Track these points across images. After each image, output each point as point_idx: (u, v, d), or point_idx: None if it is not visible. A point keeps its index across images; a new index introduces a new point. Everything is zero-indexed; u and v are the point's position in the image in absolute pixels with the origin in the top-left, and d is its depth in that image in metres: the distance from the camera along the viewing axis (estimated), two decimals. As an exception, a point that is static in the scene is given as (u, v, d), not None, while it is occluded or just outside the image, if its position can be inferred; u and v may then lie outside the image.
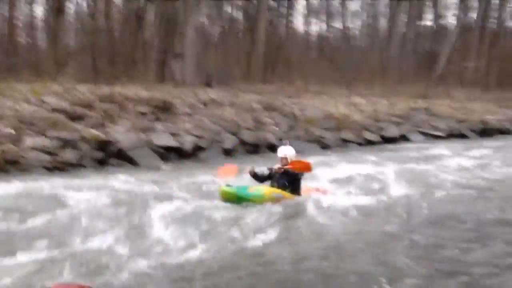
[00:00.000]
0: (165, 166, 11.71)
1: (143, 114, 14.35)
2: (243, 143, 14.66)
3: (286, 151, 7.84)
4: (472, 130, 21.79)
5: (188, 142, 13.42)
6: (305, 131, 16.95)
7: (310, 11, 33.06)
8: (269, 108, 17.81)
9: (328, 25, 32.39)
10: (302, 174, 7.68)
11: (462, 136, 20.92)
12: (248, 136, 14.89)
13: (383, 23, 33.89)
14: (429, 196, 8.10)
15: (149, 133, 13.26)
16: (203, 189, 8.34)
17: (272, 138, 15.35)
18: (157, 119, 14.43)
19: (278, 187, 7.60)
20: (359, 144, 17.47)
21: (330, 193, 8.21)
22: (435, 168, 10.79)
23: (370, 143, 17.73)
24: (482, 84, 32.85)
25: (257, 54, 22.60)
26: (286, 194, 7.50)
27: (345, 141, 17.43)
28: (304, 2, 32.32)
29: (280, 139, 15.03)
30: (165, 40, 21.51)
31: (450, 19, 40.04)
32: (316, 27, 33.12)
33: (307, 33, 31.46)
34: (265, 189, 7.58)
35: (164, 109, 14.87)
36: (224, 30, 26.15)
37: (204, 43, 22.21)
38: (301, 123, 17.56)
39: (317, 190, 8.20)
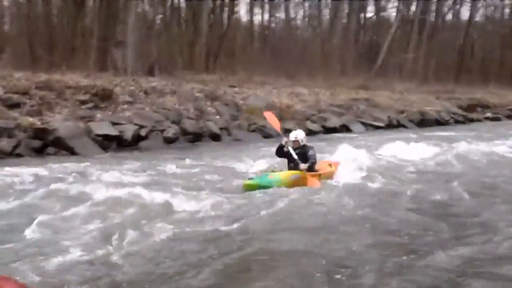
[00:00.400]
0: (104, 155, 11.52)
1: (82, 102, 14.08)
2: (185, 132, 14.54)
3: (297, 134, 8.61)
4: (411, 121, 22.32)
5: (128, 130, 13.23)
6: (248, 120, 16.97)
7: (254, 1, 33.14)
8: (211, 97, 17.75)
9: (272, 16, 32.48)
10: (314, 152, 8.47)
11: (401, 126, 21.39)
12: (190, 125, 14.79)
13: (325, 14, 34.21)
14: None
15: (89, 121, 13.03)
16: (136, 178, 8.21)
17: (214, 128, 15.30)
18: (97, 107, 14.17)
19: (295, 166, 8.27)
20: (302, 133, 17.58)
21: (341, 164, 8.99)
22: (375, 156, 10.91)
23: (312, 133, 17.83)
24: (421, 76, 33.69)
25: (200, 43, 22.46)
26: (302, 173, 8.07)
27: (287, 131, 17.49)
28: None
29: (222, 128, 15.13)
30: (106, 27, 21.07)
31: (391, 11, 41.00)
32: (260, 17, 33.18)
33: (250, 23, 31.42)
34: (282, 173, 8.06)
35: (104, 97, 14.60)
36: (166, 18, 25.87)
37: (146, 31, 21.90)
38: (244, 112, 17.58)
39: (329, 164, 9.06)
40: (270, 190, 7.31)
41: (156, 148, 12.97)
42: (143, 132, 13.52)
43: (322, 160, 9.27)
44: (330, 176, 8.54)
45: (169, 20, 25.33)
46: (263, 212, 6.15)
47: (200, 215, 6.09)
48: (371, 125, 20.33)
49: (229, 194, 7.18)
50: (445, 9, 42.98)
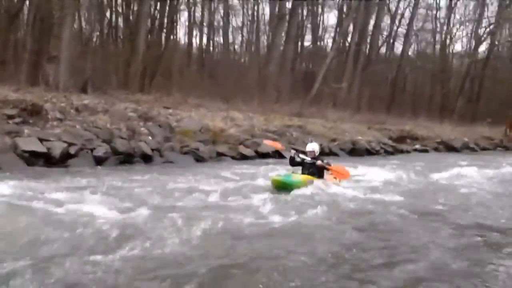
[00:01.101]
0: (29, 172, 11.16)
1: (10, 117, 13.66)
2: (116, 152, 14.24)
3: (313, 146, 10.84)
4: (342, 149, 22.67)
5: (57, 148, 12.84)
6: (180, 142, 16.88)
7: (193, 24, 33.19)
8: (145, 117, 17.59)
9: (210, 39, 32.66)
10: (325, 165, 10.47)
11: (333, 154, 21.70)
12: (121, 145, 14.47)
13: (263, 40, 34.66)
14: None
15: (15, 136, 12.64)
16: (58, 197, 8.00)
17: (146, 148, 15.04)
18: (25, 122, 13.79)
19: (309, 173, 10.29)
20: (234, 158, 17.61)
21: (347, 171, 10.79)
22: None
23: (245, 157, 17.90)
24: (355, 106, 34.45)
25: (136, 62, 22.23)
26: (315, 179, 10.05)
27: (220, 154, 17.52)
28: (187, 14, 32.41)
29: (154, 150, 14.99)
30: (40, 41, 20.61)
31: (328, 41, 42.01)
32: (198, 40, 33.26)
33: (189, 46, 31.46)
34: (302, 177, 10.05)
35: (33, 113, 14.23)
36: (103, 35, 25.55)
37: (81, 47, 21.57)
38: (177, 134, 17.49)
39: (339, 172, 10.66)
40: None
41: (85, 167, 12.64)
42: (72, 150, 13.14)
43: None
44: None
45: (105, 37, 25.02)
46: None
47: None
48: (304, 152, 20.52)
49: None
50: (380, 42, 44.31)
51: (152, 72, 23.76)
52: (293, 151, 10.89)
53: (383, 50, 46.15)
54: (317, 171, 10.35)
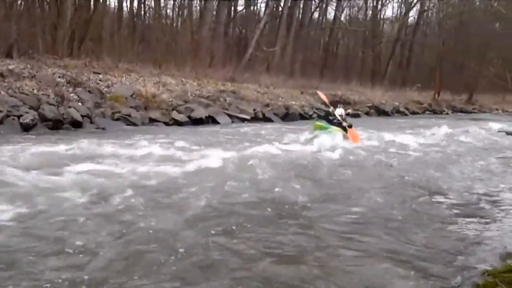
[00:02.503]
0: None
1: None
2: (44, 118, 13.86)
3: (340, 111, 14.04)
4: (276, 114, 22.85)
5: (-21, 115, 12.44)
6: (112, 108, 16.59)
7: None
8: (74, 83, 17.14)
9: (141, 3, 31.83)
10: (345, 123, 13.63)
11: (266, 119, 21.84)
12: (49, 112, 14.09)
13: (196, 5, 34.10)
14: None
15: None
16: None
17: (76, 115, 14.71)
18: None
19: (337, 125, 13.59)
20: (167, 123, 17.48)
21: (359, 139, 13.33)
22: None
23: (178, 123, 17.79)
24: (287, 71, 34.56)
25: (63, 26, 21.46)
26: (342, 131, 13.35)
27: (153, 120, 17.34)
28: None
29: (84, 116, 14.66)
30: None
31: (261, 6, 41.80)
32: (129, 3, 32.38)
33: (119, 9, 30.59)
34: (334, 127, 13.45)
35: (-46, 79, 13.63)
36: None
37: (5, 10, 20.62)
38: (108, 100, 17.17)
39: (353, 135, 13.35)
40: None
41: (11, 135, 12.25)
42: (-4, 117, 12.76)
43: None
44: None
45: (31, 0, 24.00)
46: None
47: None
48: (237, 117, 20.55)
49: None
50: (312, 7, 44.43)
51: (81, 37, 23.00)
52: (331, 108, 14.54)
53: (316, 15, 46.32)
54: (342, 128, 13.49)
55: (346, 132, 13.34)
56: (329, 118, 14.12)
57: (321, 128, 13.49)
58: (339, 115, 13.77)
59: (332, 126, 13.47)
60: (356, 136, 13.32)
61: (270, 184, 7.66)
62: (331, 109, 14.40)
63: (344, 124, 13.55)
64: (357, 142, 12.85)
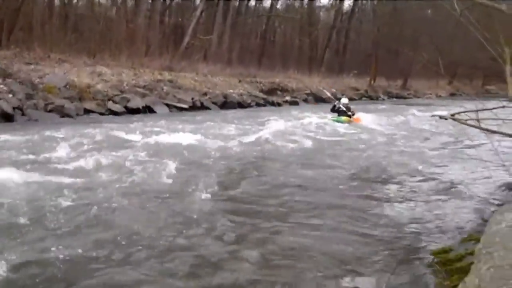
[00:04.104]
0: None
1: None
2: (-30, 112, 13.37)
3: (344, 100, 17.47)
4: (214, 103, 22.78)
5: None
6: (45, 100, 16.11)
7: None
8: (4, 74, 16.53)
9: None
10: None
11: (205, 108, 21.74)
12: (-23, 104, 13.61)
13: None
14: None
15: None
16: None
17: (6, 107, 14.20)
18: None
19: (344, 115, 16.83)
20: (102, 114, 17.15)
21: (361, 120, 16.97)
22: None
23: (114, 113, 17.50)
24: (225, 59, 34.40)
25: (-9, 16, 20.69)
26: (349, 119, 16.63)
27: (88, 111, 16.97)
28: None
29: (15, 108, 14.19)
30: None
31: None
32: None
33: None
34: (344, 118, 16.56)
35: None
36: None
37: None
38: (40, 91, 16.67)
39: (356, 119, 17.10)
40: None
41: None
42: None
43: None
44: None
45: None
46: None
47: None
48: (175, 107, 20.36)
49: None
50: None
51: (10, 26, 22.16)
52: (336, 101, 17.70)
53: (252, 3, 46.25)
54: (347, 115, 16.78)
55: (350, 116, 16.87)
56: (336, 109, 17.27)
57: (339, 121, 16.53)
58: (343, 104, 17.15)
59: (342, 118, 16.69)
60: (357, 118, 17.18)
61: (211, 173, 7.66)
62: (336, 102, 17.77)
63: (349, 113, 16.95)
64: (359, 122, 16.94)
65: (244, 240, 4.99)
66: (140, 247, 4.63)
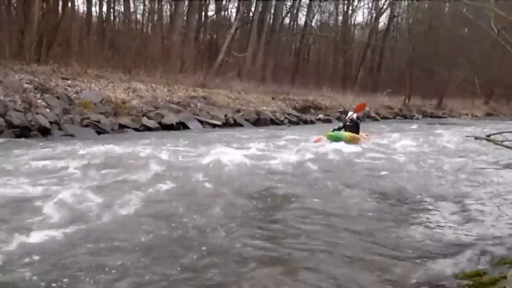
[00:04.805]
0: None
1: None
2: (10, 125, 13.58)
3: (352, 115, 15.86)
4: (247, 120, 22.83)
5: None
6: (81, 115, 16.35)
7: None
8: (41, 89, 16.84)
9: (110, 8, 31.52)
10: (359, 124, 15.78)
11: (237, 125, 21.80)
12: (16, 118, 13.80)
13: (166, 10, 33.89)
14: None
15: None
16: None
17: (43, 121, 14.43)
18: None
19: (350, 131, 15.21)
20: (137, 129, 17.32)
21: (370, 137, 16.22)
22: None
23: (148, 129, 17.65)
24: (259, 76, 34.55)
25: (31, 31, 21.08)
26: (355, 135, 15.00)
27: (123, 126, 17.15)
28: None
29: (52, 122, 14.39)
30: None
31: (232, 11, 41.78)
32: (98, 8, 32.05)
33: (88, 14, 30.22)
34: (347, 133, 14.91)
35: None
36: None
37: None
38: (77, 106, 16.92)
39: (366, 135, 16.10)
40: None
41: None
42: (-38, 125, 12.46)
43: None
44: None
45: (-3, 5, 23.56)
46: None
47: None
48: (208, 123, 20.45)
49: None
50: (283, 12, 44.51)
51: (48, 42, 22.58)
52: (343, 117, 17.35)
53: (287, 20, 46.47)
54: (355, 130, 15.34)
55: (358, 130, 15.53)
56: (343, 124, 16.02)
57: (335, 138, 14.69)
58: (350, 118, 15.79)
59: (344, 133, 15.00)
60: (362, 137, 15.56)
61: (239, 189, 7.62)
62: (342, 119, 17.21)
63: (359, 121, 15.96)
64: (364, 140, 15.60)
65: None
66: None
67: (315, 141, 14.86)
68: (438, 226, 6.29)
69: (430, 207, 7.27)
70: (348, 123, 15.68)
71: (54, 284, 4.05)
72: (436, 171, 10.79)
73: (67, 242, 4.98)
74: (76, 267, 4.40)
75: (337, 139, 14.48)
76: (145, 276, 4.31)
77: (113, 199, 6.58)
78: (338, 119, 16.68)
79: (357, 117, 16.09)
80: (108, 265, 4.46)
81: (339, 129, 15.79)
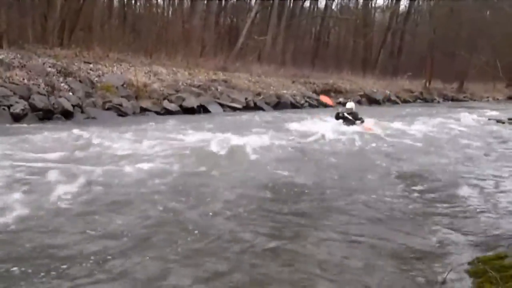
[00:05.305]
0: None
1: None
2: (34, 108, 13.83)
3: (351, 105, 14.75)
4: (267, 103, 22.90)
5: (-30, 105, 12.37)
6: (103, 98, 16.56)
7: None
8: (64, 73, 17.09)
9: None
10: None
11: (258, 108, 21.87)
12: (40, 101, 14.04)
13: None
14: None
15: None
16: None
17: (66, 104, 14.66)
18: None
19: (348, 124, 13.94)
20: (158, 113, 17.49)
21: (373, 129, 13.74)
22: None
23: (169, 112, 17.79)
24: (279, 60, 34.53)
25: (53, 16, 21.33)
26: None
27: (144, 110, 17.34)
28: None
29: (75, 106, 14.60)
30: None
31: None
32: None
33: (109, -1, 30.43)
34: None
35: None
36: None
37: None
38: (99, 90, 17.13)
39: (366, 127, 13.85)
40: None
41: (1, 124, 12.24)
42: (-13, 107, 12.72)
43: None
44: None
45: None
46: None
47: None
48: (229, 107, 20.57)
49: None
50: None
51: (71, 26, 22.82)
52: (339, 108, 15.31)
53: (307, 4, 46.26)
54: (354, 122, 13.99)
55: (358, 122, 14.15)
56: (341, 117, 14.40)
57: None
58: (348, 110, 14.42)
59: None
60: (369, 127, 13.90)
61: (264, 173, 7.72)
62: (339, 109, 14.94)
63: (357, 121, 14.08)
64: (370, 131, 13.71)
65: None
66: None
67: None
68: (455, 212, 6.30)
69: (448, 193, 7.26)
70: (346, 116, 14.36)
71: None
72: (459, 155, 10.75)
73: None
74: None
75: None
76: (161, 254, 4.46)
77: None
78: (338, 116, 14.48)
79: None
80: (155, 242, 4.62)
81: (337, 117, 14.50)
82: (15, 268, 3.96)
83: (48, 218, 5.14)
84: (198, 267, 4.20)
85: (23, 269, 3.96)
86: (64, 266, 4.05)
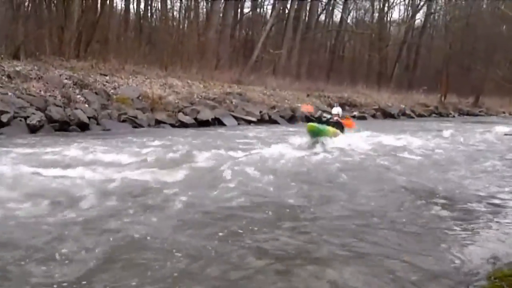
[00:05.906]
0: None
1: None
2: (50, 120, 13.93)
3: (337, 110, 13.84)
4: (282, 117, 22.87)
5: (-13, 116, 12.48)
6: (118, 110, 16.65)
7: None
8: (80, 85, 17.24)
9: (148, 5, 31.93)
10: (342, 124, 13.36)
11: (272, 121, 21.85)
12: (56, 113, 14.17)
13: (202, 7, 34.17)
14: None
15: None
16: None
17: (82, 116, 14.74)
18: (-46, 90, 13.27)
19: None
20: (173, 125, 17.54)
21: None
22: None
23: (184, 125, 17.84)
24: (294, 73, 34.58)
25: (70, 28, 21.54)
26: (339, 132, 12.83)
27: (159, 122, 17.40)
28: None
29: (90, 117, 14.67)
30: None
31: (267, 8, 41.82)
32: (135, 6, 32.49)
33: (125, 11, 30.71)
34: (331, 128, 12.51)
35: (-38, 81, 13.68)
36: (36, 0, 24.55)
37: (13, 12, 20.74)
38: (114, 102, 17.23)
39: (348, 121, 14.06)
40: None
41: (18, 135, 12.31)
42: (4, 118, 12.81)
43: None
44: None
45: (38, 2, 24.10)
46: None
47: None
48: (243, 119, 20.57)
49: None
50: (319, 9, 44.40)
51: (87, 38, 23.03)
52: (319, 112, 14.47)
53: (322, 17, 46.35)
54: (341, 128, 13.14)
55: (343, 130, 13.28)
56: (325, 121, 12.99)
57: (317, 131, 12.09)
58: (335, 114, 13.45)
59: (326, 127, 12.45)
60: (350, 124, 13.91)
61: (268, 187, 7.65)
62: (319, 113, 14.06)
63: (341, 120, 13.39)
64: (352, 127, 13.93)
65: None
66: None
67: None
68: (470, 226, 6.22)
69: (461, 206, 7.18)
70: (332, 121, 13.19)
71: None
72: (473, 169, 10.65)
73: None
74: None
75: (319, 133, 12.10)
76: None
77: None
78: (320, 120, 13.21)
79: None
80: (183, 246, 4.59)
81: (320, 121, 13.12)
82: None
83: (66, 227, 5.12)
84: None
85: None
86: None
